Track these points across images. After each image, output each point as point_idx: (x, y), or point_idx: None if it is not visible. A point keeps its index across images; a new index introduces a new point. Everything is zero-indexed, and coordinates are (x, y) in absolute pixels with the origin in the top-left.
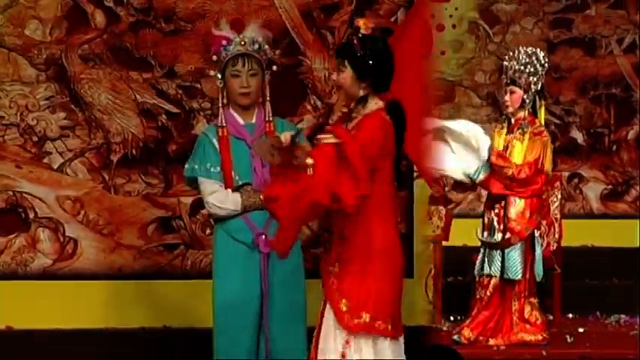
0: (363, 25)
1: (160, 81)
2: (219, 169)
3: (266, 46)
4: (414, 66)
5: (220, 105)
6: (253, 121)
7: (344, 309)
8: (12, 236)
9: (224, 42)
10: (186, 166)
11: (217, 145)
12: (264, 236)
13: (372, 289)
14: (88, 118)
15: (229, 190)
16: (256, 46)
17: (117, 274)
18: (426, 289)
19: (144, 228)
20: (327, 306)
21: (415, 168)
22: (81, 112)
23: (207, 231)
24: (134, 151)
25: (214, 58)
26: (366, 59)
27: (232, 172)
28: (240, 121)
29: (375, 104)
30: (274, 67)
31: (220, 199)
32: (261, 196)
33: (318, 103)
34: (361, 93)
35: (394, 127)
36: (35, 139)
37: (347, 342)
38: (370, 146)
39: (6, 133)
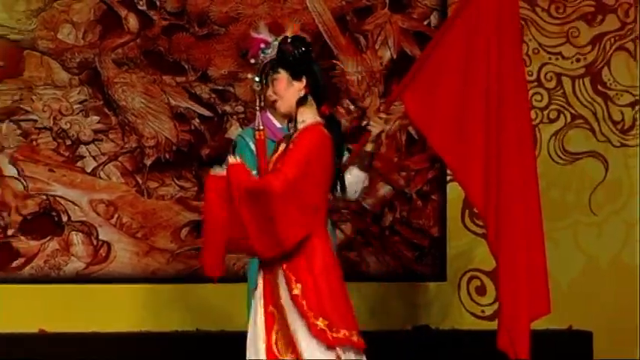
0: (290, 30)
1: (194, 85)
2: (255, 172)
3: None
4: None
5: (257, 108)
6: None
7: (322, 326)
8: (45, 240)
9: (262, 45)
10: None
11: (254, 148)
12: None
13: (334, 305)
14: (122, 122)
15: None
16: None
17: (150, 278)
18: (460, 292)
19: (177, 231)
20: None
21: (449, 172)
22: (114, 115)
23: None
24: (167, 155)
25: (252, 60)
26: (300, 55)
27: None
28: (277, 124)
29: (313, 117)
30: None
31: None
32: None
33: (352, 106)
34: (301, 94)
35: (332, 140)
36: (69, 142)
37: (338, 357)
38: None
39: (39, 136)
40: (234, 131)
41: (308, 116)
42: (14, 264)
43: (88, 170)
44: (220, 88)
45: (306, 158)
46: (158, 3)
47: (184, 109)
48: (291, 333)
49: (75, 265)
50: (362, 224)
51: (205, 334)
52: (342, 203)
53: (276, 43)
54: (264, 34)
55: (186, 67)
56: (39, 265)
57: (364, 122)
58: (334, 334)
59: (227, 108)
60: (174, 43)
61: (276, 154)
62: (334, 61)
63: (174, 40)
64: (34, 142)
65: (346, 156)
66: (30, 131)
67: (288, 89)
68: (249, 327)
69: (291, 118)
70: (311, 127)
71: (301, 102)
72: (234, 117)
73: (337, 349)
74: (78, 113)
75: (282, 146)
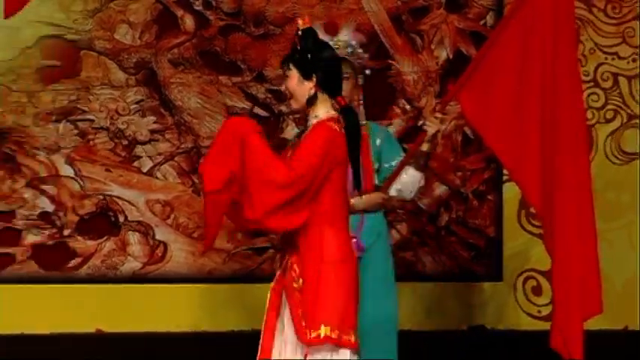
0: (301, 22)
1: (249, 85)
2: None
3: (359, 50)
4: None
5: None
6: None
7: (304, 323)
8: (102, 240)
9: None
10: None
11: None
12: (355, 240)
13: (330, 301)
14: (178, 122)
15: None
16: (350, 50)
17: (206, 278)
18: (516, 292)
19: (233, 231)
20: (285, 320)
21: (505, 172)
22: (170, 115)
23: None
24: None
25: None
26: (309, 53)
27: None
28: None
29: (325, 112)
30: (367, 71)
31: None
32: (352, 200)
33: (407, 106)
34: (310, 93)
35: (347, 134)
36: (125, 142)
37: (305, 356)
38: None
39: (96, 136)
40: (290, 131)
41: (321, 111)
42: (71, 264)
43: (145, 170)
44: (276, 88)
45: (312, 154)
46: (214, 3)
47: (240, 109)
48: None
49: (131, 265)
50: (418, 224)
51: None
52: (397, 203)
53: (331, 42)
54: (319, 34)
55: (243, 67)
56: (96, 265)
57: (420, 122)
58: (314, 334)
59: (283, 108)
60: (230, 44)
61: (291, 149)
62: (390, 61)
63: (231, 40)
64: (91, 142)
65: (402, 156)
66: (87, 131)
67: (299, 87)
68: None
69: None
70: (321, 123)
71: (311, 101)
72: (290, 117)
73: (311, 348)
74: (134, 113)
75: (296, 141)
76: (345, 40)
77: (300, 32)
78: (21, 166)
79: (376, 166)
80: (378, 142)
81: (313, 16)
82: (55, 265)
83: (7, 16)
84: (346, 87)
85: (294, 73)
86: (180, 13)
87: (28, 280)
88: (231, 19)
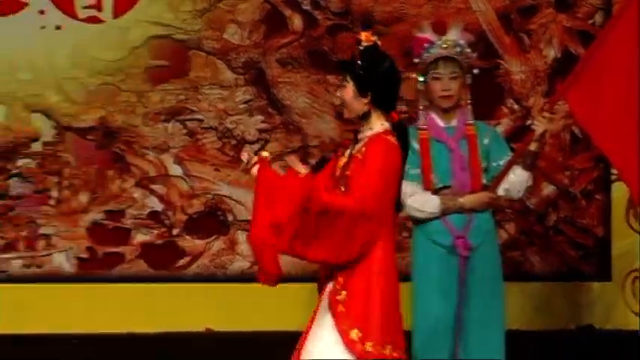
0: (364, 37)
1: None
2: (418, 171)
3: (467, 49)
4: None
5: (421, 107)
6: (454, 123)
7: (355, 337)
8: (211, 239)
9: (426, 44)
10: None
11: (417, 147)
12: (462, 239)
13: (380, 314)
14: (286, 122)
15: (428, 192)
16: (458, 49)
17: (313, 277)
18: (624, 292)
19: None
20: (328, 330)
21: (614, 171)
22: (279, 115)
23: (404, 233)
24: (331, 154)
25: (416, 60)
26: (367, 71)
27: (432, 175)
28: (441, 123)
29: (380, 125)
30: (475, 71)
31: (419, 201)
32: (460, 199)
33: (515, 106)
34: (364, 109)
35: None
36: (234, 142)
37: None
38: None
39: (205, 136)
40: None
41: (375, 124)
42: (179, 263)
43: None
44: None
45: (379, 174)
46: (322, 3)
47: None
48: (311, 332)
49: (240, 264)
50: (526, 224)
51: None
52: (505, 202)
53: (440, 42)
54: (428, 34)
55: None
56: (204, 264)
57: (528, 122)
58: (367, 348)
59: None
60: (338, 43)
61: (343, 159)
62: (498, 61)
63: (338, 39)
64: (200, 142)
65: (510, 155)
66: (195, 131)
67: (354, 100)
68: None
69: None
70: (379, 137)
71: (365, 117)
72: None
73: None
74: (243, 113)
75: (348, 152)
76: (453, 39)
77: (361, 48)
78: (130, 165)
79: (484, 165)
80: (485, 141)
81: (421, 16)
82: (163, 264)
83: (116, 16)
84: (454, 86)
85: (350, 86)
86: (288, 12)
87: (137, 279)
88: (339, 18)
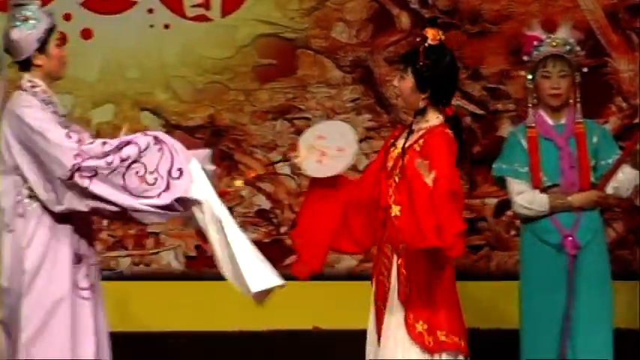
0: (431, 35)
1: (465, 82)
2: (527, 169)
3: (577, 48)
4: None
5: (530, 105)
6: (563, 122)
7: (421, 329)
8: None
9: (535, 42)
10: (494, 165)
11: (526, 146)
12: (571, 238)
13: (444, 306)
14: (393, 120)
15: (537, 190)
16: (567, 48)
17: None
18: None
19: None
20: (393, 325)
21: None
22: (386, 113)
23: (512, 232)
24: (464, 154)
25: (525, 58)
26: (429, 70)
27: (540, 173)
28: (550, 121)
29: (436, 118)
30: (584, 69)
31: (528, 199)
32: (569, 198)
33: (623, 104)
34: (421, 104)
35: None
36: None
37: None
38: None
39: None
40: (505, 129)
41: (431, 117)
42: (287, 261)
43: (360, 168)
44: (492, 85)
45: (449, 165)
46: (430, 1)
47: (456, 107)
48: (384, 327)
49: (347, 262)
50: (634, 222)
51: (478, 331)
52: (614, 201)
53: (549, 40)
54: (537, 32)
55: (458, 65)
56: None
57: (636, 120)
58: (432, 339)
59: (499, 106)
60: (446, 41)
61: (395, 150)
62: (606, 59)
63: (447, 37)
64: None
65: (618, 154)
66: (303, 129)
67: (412, 94)
68: None
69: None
70: (438, 130)
71: (421, 111)
72: (506, 115)
73: (435, 354)
74: (350, 111)
75: (400, 143)
76: (562, 37)
77: (426, 45)
78: (238, 163)
79: (592, 163)
80: (594, 139)
81: (529, 14)
82: (271, 262)
83: (224, 14)
84: (564, 85)
85: (410, 79)
86: (396, 11)
87: None
88: (446, 16)
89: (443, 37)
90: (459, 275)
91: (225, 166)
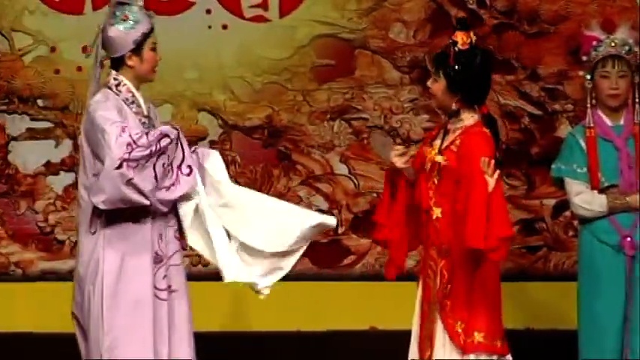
0: (461, 39)
1: (523, 83)
2: (585, 169)
3: (636, 48)
4: None
5: (588, 106)
6: (621, 122)
7: (459, 330)
8: None
9: (594, 42)
10: (553, 166)
11: (584, 146)
12: (629, 238)
13: (484, 308)
14: None
15: (595, 191)
16: (627, 48)
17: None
18: None
19: None
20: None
21: None
22: (444, 114)
23: (570, 233)
24: (497, 153)
25: (584, 58)
26: (459, 74)
27: (599, 174)
28: (608, 122)
29: (471, 117)
30: None
31: (586, 200)
32: (627, 198)
33: None
34: (453, 106)
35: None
36: (399, 141)
37: None
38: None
39: (370, 135)
40: (563, 130)
41: (465, 116)
42: (345, 262)
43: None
44: (550, 86)
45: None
46: (488, 2)
47: (514, 108)
48: (432, 329)
49: (406, 262)
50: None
51: (536, 332)
52: None
53: (608, 40)
54: (596, 32)
55: (516, 65)
56: (370, 263)
57: None
58: (469, 339)
59: (557, 106)
60: (503, 42)
61: (431, 151)
62: None
63: (504, 38)
64: (365, 141)
65: None
66: (361, 130)
67: (444, 96)
68: None
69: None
70: (475, 129)
71: (454, 114)
72: (564, 115)
73: (471, 354)
74: (408, 112)
75: (437, 143)
76: (621, 38)
77: (457, 49)
78: (296, 164)
79: None
80: None
81: (587, 14)
82: (329, 262)
83: (282, 15)
84: (623, 85)
85: (442, 82)
86: (454, 11)
87: (302, 277)
88: (504, 17)
89: (474, 39)
90: (517, 276)
91: (283, 166)
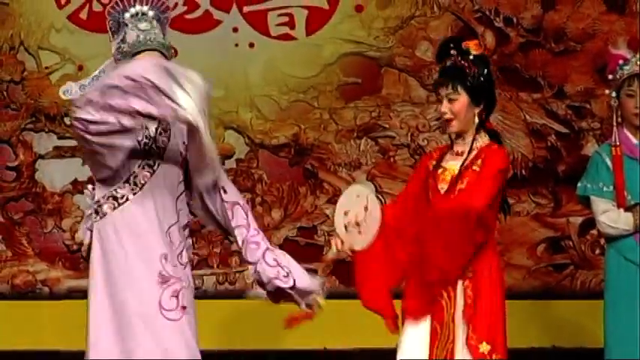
0: (474, 46)
1: (550, 101)
2: (611, 188)
3: None
4: None
5: (614, 124)
6: None
7: (485, 351)
8: None
9: (620, 61)
10: (579, 184)
11: (610, 164)
12: None
13: (502, 325)
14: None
15: (621, 209)
16: None
17: (506, 294)
18: None
19: (533, 248)
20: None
21: None
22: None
23: (597, 251)
24: (523, 171)
25: (610, 76)
26: (482, 80)
27: (625, 192)
28: (634, 140)
29: (484, 136)
30: None
31: (612, 218)
32: None
33: None
34: (476, 120)
35: None
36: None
37: None
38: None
39: (397, 153)
40: (590, 148)
41: (480, 134)
42: None
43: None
44: (577, 104)
45: (497, 179)
46: (515, 20)
47: (540, 126)
48: (452, 347)
49: None
50: None
51: (562, 350)
52: None
53: (634, 59)
54: (623, 50)
55: (543, 83)
56: None
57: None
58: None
59: (583, 124)
60: (530, 60)
61: (446, 172)
62: None
63: (531, 56)
64: (392, 159)
65: None
66: (387, 148)
67: (467, 111)
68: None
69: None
70: (494, 146)
71: (480, 127)
72: (591, 133)
73: None
74: (435, 130)
75: (451, 164)
76: None
77: (472, 57)
78: (323, 182)
79: None
80: None
81: (613, 32)
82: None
83: (308, 33)
84: None
85: (464, 97)
86: (480, 29)
87: (329, 295)
88: (531, 35)
89: (483, 45)
90: (543, 294)
91: (309, 184)
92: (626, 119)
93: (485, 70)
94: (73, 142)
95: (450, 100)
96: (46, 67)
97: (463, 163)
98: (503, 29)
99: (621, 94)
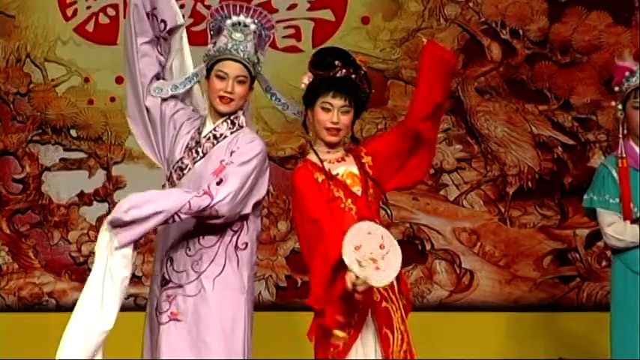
0: (361, 62)
1: (556, 113)
2: (617, 200)
3: None
4: None
5: (620, 136)
6: None
7: None
8: (409, 268)
9: (627, 73)
10: (585, 196)
11: (616, 177)
12: None
13: None
14: (484, 150)
15: (627, 221)
16: None
17: (512, 306)
18: None
19: (539, 260)
20: None
21: None
22: (477, 144)
23: (603, 263)
24: (530, 184)
25: (616, 88)
26: (368, 97)
27: (631, 204)
28: None
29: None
30: None
31: (618, 230)
32: None
33: None
34: (350, 132)
35: None
36: (432, 171)
37: None
38: None
39: None
40: (596, 160)
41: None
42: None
43: (451, 199)
44: (583, 116)
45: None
46: (521, 32)
47: (547, 138)
48: (409, 348)
49: (438, 293)
50: None
51: None
52: None
53: None
54: (628, 62)
55: (549, 95)
56: (414, 292)
57: None
58: None
59: (590, 136)
60: (536, 72)
61: (343, 180)
62: None
63: (537, 68)
64: None
65: None
66: None
67: (351, 124)
68: None
69: None
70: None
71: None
72: (597, 145)
73: None
74: (442, 142)
75: (342, 168)
76: None
77: (363, 72)
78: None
79: None
80: None
81: (619, 44)
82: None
83: (315, 45)
84: None
85: (352, 111)
86: (487, 42)
87: None
88: (537, 47)
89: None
90: (550, 306)
91: None
92: (632, 131)
93: (369, 87)
94: (79, 155)
95: (344, 113)
96: (53, 80)
97: (361, 165)
98: (510, 41)
99: (627, 106)
